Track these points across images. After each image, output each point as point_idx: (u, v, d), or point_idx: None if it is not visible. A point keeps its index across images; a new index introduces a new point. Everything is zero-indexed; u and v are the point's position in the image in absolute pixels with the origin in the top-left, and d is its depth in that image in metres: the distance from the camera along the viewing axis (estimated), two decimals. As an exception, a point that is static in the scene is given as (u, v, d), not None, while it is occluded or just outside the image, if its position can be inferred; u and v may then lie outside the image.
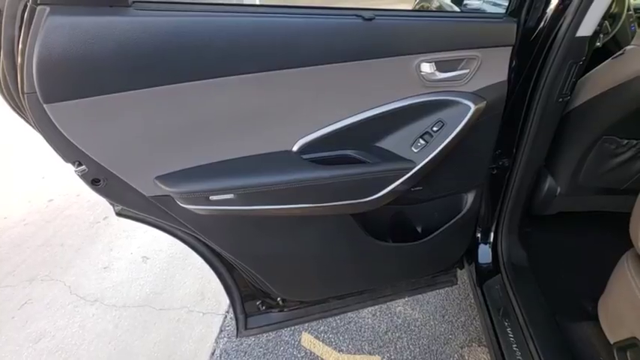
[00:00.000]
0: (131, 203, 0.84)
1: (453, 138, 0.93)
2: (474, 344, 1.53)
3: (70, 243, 2.20)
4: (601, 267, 1.07)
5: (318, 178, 0.87)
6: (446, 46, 0.86)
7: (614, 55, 1.02)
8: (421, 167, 0.94)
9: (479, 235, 1.35)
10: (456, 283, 1.47)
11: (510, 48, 0.93)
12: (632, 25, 1.53)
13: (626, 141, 1.11)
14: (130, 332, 1.66)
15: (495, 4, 1.09)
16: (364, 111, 0.89)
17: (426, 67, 0.87)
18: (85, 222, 2.36)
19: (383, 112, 0.90)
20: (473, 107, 0.92)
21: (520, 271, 1.27)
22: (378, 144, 0.96)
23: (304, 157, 0.89)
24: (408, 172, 0.94)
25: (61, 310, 1.78)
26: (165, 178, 0.79)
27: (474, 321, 1.62)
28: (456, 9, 2.38)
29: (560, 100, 1.03)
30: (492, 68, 0.93)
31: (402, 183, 0.94)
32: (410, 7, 3.50)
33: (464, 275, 1.70)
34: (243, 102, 0.78)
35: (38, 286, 1.91)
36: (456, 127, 0.93)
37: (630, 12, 1.55)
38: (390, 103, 0.90)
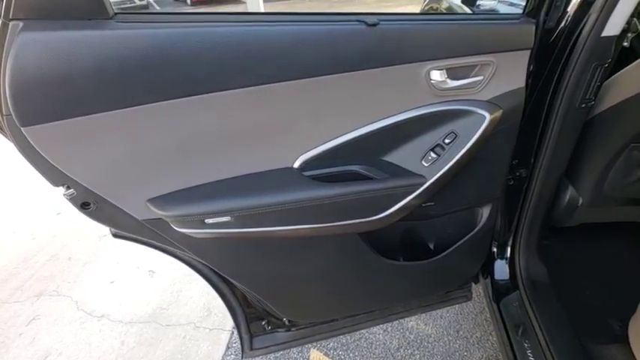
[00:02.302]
0: (124, 226, 0.80)
1: (467, 150, 0.87)
2: (491, 362, 1.45)
3: (78, 257, 2.18)
4: (629, 283, 1.00)
5: (322, 196, 0.82)
6: (458, 52, 0.80)
7: (640, 58, 0.94)
8: (432, 183, 0.88)
9: (495, 249, 1.27)
10: (471, 299, 1.40)
11: (528, 51, 0.86)
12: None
13: None
14: (136, 349, 1.63)
15: (512, 4, 1.01)
16: (370, 123, 0.84)
17: (437, 75, 0.81)
18: (93, 235, 2.35)
19: (390, 125, 0.84)
20: (488, 117, 0.86)
21: (540, 287, 1.19)
22: (385, 158, 0.90)
23: (306, 174, 0.84)
24: (418, 189, 0.88)
25: (68, 327, 1.75)
26: (158, 201, 0.75)
27: (490, 337, 1.54)
28: (467, 10, 2.31)
29: (584, 105, 0.96)
30: (509, 74, 0.87)
31: (411, 200, 0.88)
32: (418, 9, 3.42)
33: (479, 288, 1.62)
34: (237, 118, 0.74)
35: (46, 302, 1.90)
36: (471, 139, 0.87)
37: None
38: (397, 114, 0.84)
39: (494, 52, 0.83)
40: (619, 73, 1.02)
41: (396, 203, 0.88)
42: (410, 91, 0.82)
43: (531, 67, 0.90)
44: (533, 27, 0.85)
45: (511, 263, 1.24)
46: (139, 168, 0.72)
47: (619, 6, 0.81)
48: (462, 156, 0.87)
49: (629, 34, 1.32)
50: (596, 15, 0.83)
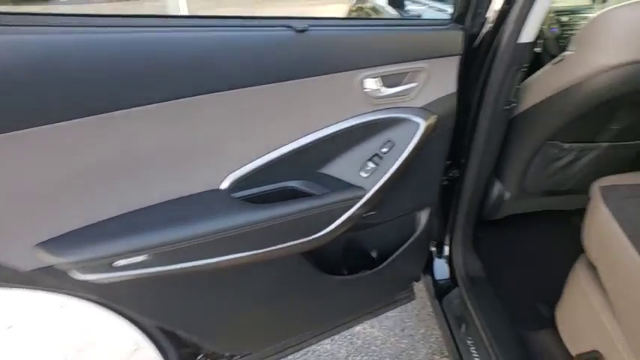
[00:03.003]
0: (5, 279, 0.64)
1: (405, 158, 0.85)
2: (435, 356, 1.49)
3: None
4: (555, 268, 1.06)
5: (257, 220, 0.73)
6: (391, 59, 0.77)
7: (554, 61, 1.00)
8: (373, 194, 0.84)
9: (434, 248, 1.29)
10: (414, 298, 1.41)
11: (458, 57, 0.86)
12: (553, 27, 1.57)
13: (567, 145, 1.11)
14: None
15: (439, 10, 1.02)
16: (304, 136, 0.77)
17: (371, 83, 0.77)
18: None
19: (326, 136, 0.78)
20: (423, 123, 0.84)
21: (477, 282, 1.23)
22: (323, 171, 0.84)
23: (237, 195, 0.75)
24: (358, 201, 0.83)
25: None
26: (50, 245, 0.60)
27: (435, 331, 1.58)
28: (393, 12, 2.35)
29: (507, 107, 0.99)
30: (441, 80, 0.86)
31: (353, 213, 0.84)
32: (346, 7, 3.40)
33: (420, 283, 1.66)
34: (149, 139, 0.62)
35: None
36: (407, 147, 0.84)
37: (551, 14, 1.59)
38: (332, 125, 0.78)
39: (426, 59, 0.82)
40: (530, 77, 1.08)
41: (338, 218, 0.83)
42: (344, 100, 0.76)
43: (461, 72, 0.90)
44: (462, 33, 0.85)
45: (450, 261, 1.27)
46: (23, 206, 0.57)
47: (531, 16, 0.85)
48: (400, 164, 0.85)
49: (540, 41, 1.43)
50: (513, 23, 0.86)
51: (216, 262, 0.74)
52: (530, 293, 1.22)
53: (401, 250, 1.09)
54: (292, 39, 0.67)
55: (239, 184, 0.75)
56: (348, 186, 0.83)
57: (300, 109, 0.74)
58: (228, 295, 0.90)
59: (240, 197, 0.75)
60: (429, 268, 1.33)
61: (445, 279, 1.28)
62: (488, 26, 0.92)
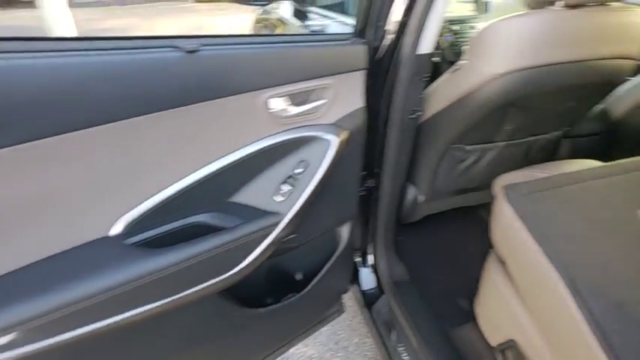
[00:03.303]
0: None
1: (321, 177, 0.81)
2: (371, 364, 1.49)
3: None
4: (470, 262, 1.12)
5: (156, 268, 0.62)
6: (295, 77, 0.72)
7: (451, 70, 1.05)
8: (290, 218, 0.78)
9: (358, 259, 1.29)
10: (344, 311, 1.39)
11: (364, 71, 0.85)
12: (447, 35, 1.70)
13: (470, 147, 1.18)
14: None
15: (343, 23, 1.00)
16: (207, 165, 0.68)
17: (277, 103, 0.71)
18: None
19: (232, 163, 0.71)
20: (336, 140, 0.81)
21: (403, 286, 1.25)
22: (234, 200, 0.76)
23: (133, 240, 0.64)
24: (275, 228, 0.77)
25: None
26: None
27: (367, 339, 1.58)
28: (298, 24, 2.33)
29: (412, 116, 1.02)
30: (349, 94, 0.84)
31: (272, 241, 0.77)
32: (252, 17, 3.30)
33: (350, 293, 1.66)
34: (12, 186, 0.49)
35: None
36: (321, 165, 0.81)
37: (444, 24, 1.71)
38: (238, 150, 0.71)
39: (332, 75, 0.79)
40: (432, 86, 1.13)
41: (255, 249, 0.76)
42: (249, 123, 0.70)
43: (369, 85, 0.90)
44: (366, 47, 0.84)
45: (375, 269, 1.28)
46: None
47: (427, 27, 0.88)
48: (316, 183, 0.81)
49: (438, 51, 1.52)
50: (411, 35, 0.88)
51: (117, 322, 0.62)
52: (452, 290, 1.28)
53: (326, 267, 1.06)
54: (182, 60, 0.59)
55: (135, 228, 0.64)
56: (262, 213, 0.76)
57: (199, 136, 0.65)
58: (140, 354, 0.76)
59: (137, 242, 0.64)
60: (355, 279, 1.32)
61: (372, 288, 1.28)
62: (389, 38, 0.93)
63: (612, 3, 0.95)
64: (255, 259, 0.76)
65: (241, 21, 7.19)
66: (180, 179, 0.66)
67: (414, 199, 1.32)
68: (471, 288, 1.14)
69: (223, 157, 0.69)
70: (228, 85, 0.64)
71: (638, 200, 0.83)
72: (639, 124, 1.45)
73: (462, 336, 1.12)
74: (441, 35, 1.65)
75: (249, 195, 0.76)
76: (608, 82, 1.08)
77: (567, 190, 0.88)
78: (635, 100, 1.44)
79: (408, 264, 1.31)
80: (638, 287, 0.66)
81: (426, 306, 1.19)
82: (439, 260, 1.43)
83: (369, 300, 1.29)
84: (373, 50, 0.92)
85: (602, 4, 0.95)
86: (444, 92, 1.09)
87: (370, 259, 1.28)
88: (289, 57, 0.73)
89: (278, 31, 2.45)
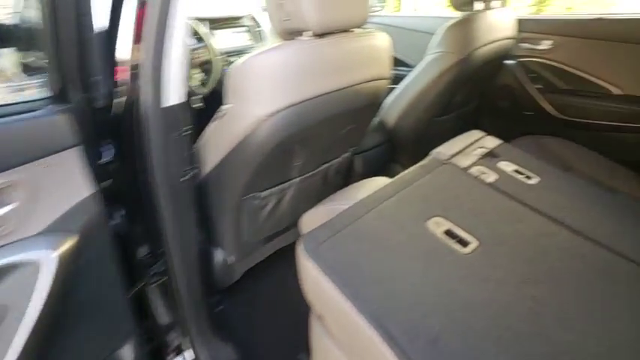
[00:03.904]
0: None
1: (38, 317, 0.53)
2: None
3: None
4: (304, 312, 1.00)
5: None
6: None
7: (219, 115, 0.90)
8: None
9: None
10: None
11: (79, 147, 0.60)
12: (225, 68, 1.57)
13: (265, 193, 1.07)
14: None
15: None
16: None
17: None
18: None
19: None
20: (53, 255, 0.54)
21: None
22: None
23: None
24: None
25: None
26: None
27: None
28: None
29: (186, 177, 0.83)
30: (63, 184, 0.58)
31: None
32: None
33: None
34: None
35: None
36: (35, 302, 0.52)
37: (220, 56, 1.56)
38: None
39: (22, 165, 0.53)
40: (201, 138, 0.97)
41: None
42: None
43: (97, 160, 0.65)
44: (70, 115, 0.59)
45: None
46: None
47: (168, 76, 0.70)
48: (29, 332, 0.52)
49: (199, 96, 1.35)
50: (147, 88, 0.68)
51: None
52: (291, 348, 1.14)
53: None
54: None
55: None
56: None
57: None
58: None
59: None
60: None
61: None
62: (119, 97, 0.71)
63: (355, 29, 0.98)
64: None
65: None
66: None
67: (223, 262, 1.13)
68: (304, 339, 1.02)
69: None
70: None
71: (423, 212, 0.85)
72: (407, 130, 1.65)
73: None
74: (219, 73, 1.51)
75: None
76: (372, 102, 1.12)
77: (365, 221, 0.84)
78: (399, 111, 1.62)
79: (237, 337, 1.12)
80: (443, 312, 0.64)
81: None
82: (272, 318, 1.28)
83: None
84: (98, 112, 0.69)
85: (345, 31, 0.96)
86: (217, 142, 0.93)
87: (189, 355, 1.02)
88: None
89: None
